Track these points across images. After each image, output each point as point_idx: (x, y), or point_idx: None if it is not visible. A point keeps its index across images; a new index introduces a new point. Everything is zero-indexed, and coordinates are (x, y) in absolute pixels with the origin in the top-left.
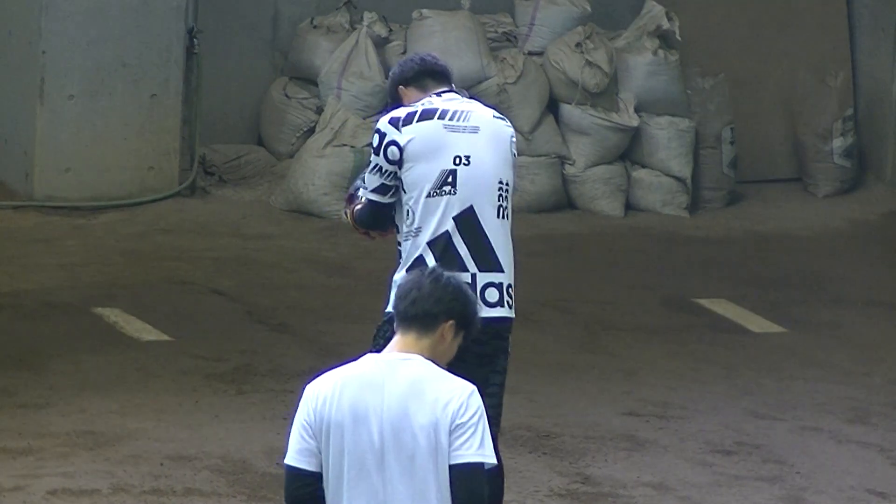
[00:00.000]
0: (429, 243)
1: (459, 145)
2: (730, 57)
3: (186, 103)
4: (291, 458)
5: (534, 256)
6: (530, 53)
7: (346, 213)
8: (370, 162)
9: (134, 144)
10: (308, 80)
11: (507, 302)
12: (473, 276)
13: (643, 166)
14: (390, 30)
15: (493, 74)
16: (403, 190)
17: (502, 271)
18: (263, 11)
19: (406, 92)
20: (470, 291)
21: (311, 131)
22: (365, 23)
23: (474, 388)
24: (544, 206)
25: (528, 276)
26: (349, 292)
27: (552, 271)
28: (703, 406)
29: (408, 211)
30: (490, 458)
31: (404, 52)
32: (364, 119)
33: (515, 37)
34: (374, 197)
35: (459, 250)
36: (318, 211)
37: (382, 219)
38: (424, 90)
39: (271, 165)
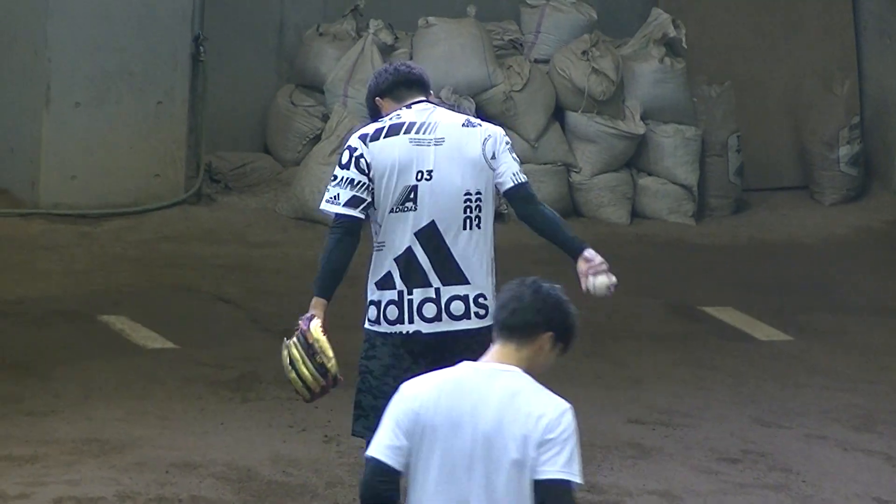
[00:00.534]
0: (396, 259)
1: (424, 160)
2: (736, 65)
3: (192, 111)
4: (380, 453)
5: (539, 264)
6: (536, 61)
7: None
8: (337, 178)
9: (140, 152)
10: (314, 87)
11: (476, 312)
12: (437, 290)
13: (649, 174)
14: (396, 37)
15: (499, 82)
16: (373, 205)
17: (468, 283)
18: (269, 19)
19: (383, 103)
20: (570, 304)
21: (317, 139)
22: (371, 30)
23: (569, 406)
24: None
25: None
26: (354, 300)
27: (557, 279)
28: (709, 414)
29: (373, 225)
30: (576, 477)
31: (410, 59)
32: None
33: (521, 44)
34: (346, 210)
35: (423, 264)
36: (324, 218)
37: (347, 245)
38: (399, 100)
39: (277, 173)
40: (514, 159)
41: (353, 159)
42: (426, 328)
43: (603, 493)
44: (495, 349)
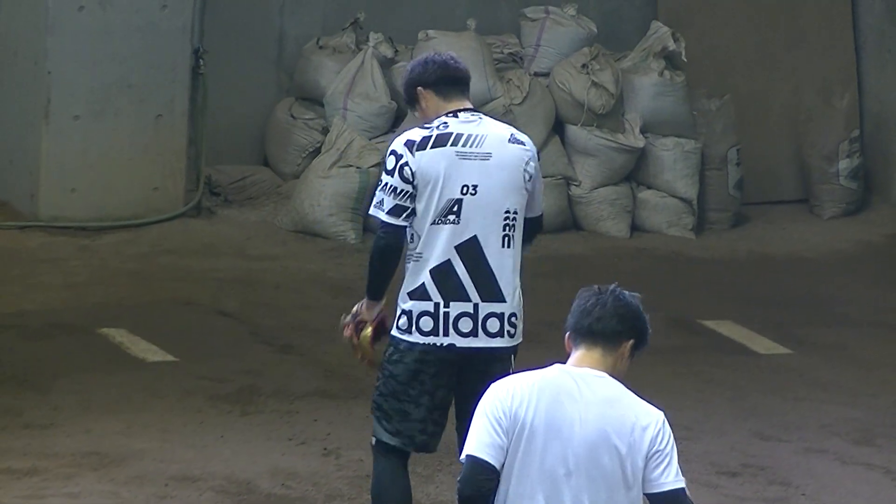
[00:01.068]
0: (431, 271)
1: (469, 174)
2: (736, 78)
3: (192, 124)
4: (480, 451)
5: (540, 277)
6: (536, 74)
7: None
8: (383, 182)
9: (139, 165)
10: (314, 100)
11: (508, 332)
12: (476, 305)
13: (649, 187)
14: (396, 50)
15: (498, 95)
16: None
17: (504, 301)
18: (269, 32)
19: (424, 94)
20: (645, 313)
21: (317, 152)
22: (371, 43)
23: (663, 413)
24: (550, 227)
25: (534, 296)
26: None
27: (558, 292)
28: (709, 427)
29: (412, 235)
30: (684, 482)
31: None
32: (370, 140)
33: (521, 58)
34: (389, 219)
35: (462, 279)
36: (324, 232)
37: (392, 250)
38: (444, 97)
39: (277, 186)
40: (530, 174)
41: (398, 167)
42: (461, 342)
43: None
44: (580, 355)
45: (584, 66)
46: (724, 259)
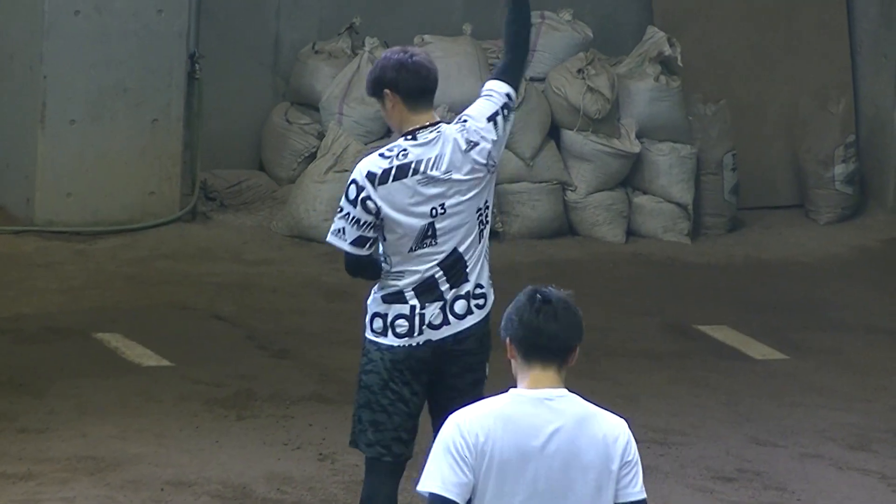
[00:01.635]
0: (415, 289)
1: (435, 196)
2: (731, 83)
3: (188, 128)
4: (442, 489)
5: (535, 282)
6: (532, 79)
7: None
8: (343, 211)
9: (135, 169)
10: (309, 105)
11: (477, 305)
12: (446, 300)
13: (644, 192)
14: None
15: None
16: (383, 237)
17: (468, 280)
18: (265, 37)
19: (392, 99)
20: None
21: (313, 157)
22: (367, 48)
23: (626, 424)
24: (545, 233)
25: None
26: (350, 317)
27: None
28: (704, 432)
29: (385, 256)
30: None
31: None
32: (365, 144)
33: None
34: (351, 250)
35: (443, 289)
36: (320, 236)
37: (365, 269)
38: (411, 108)
39: (272, 191)
40: (496, 115)
41: (360, 200)
42: (435, 335)
43: None
44: (535, 375)
45: (579, 70)
46: (719, 264)
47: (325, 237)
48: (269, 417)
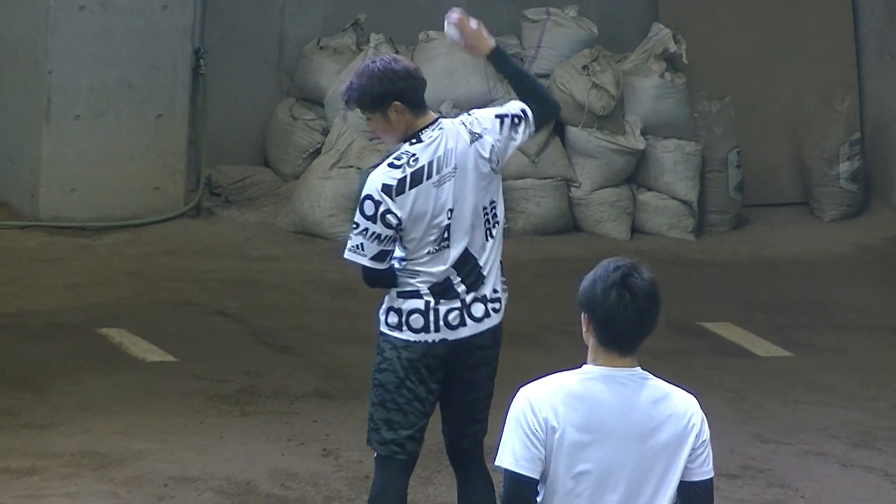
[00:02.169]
0: (430, 288)
1: (448, 197)
2: (736, 80)
3: (192, 124)
4: (517, 465)
5: (539, 279)
6: (537, 76)
7: None
8: (361, 227)
9: (139, 165)
10: (314, 101)
11: (493, 309)
12: (463, 300)
13: (649, 189)
14: (397, 51)
15: (499, 96)
16: (402, 246)
17: (485, 284)
18: (270, 33)
19: (401, 109)
20: None
21: (317, 153)
22: (371, 44)
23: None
24: (550, 229)
25: (533, 298)
26: (354, 314)
27: (557, 294)
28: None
29: (401, 259)
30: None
31: None
32: (370, 140)
33: (522, 59)
34: (372, 265)
35: (457, 287)
36: (324, 233)
37: (384, 280)
38: (416, 114)
39: (277, 187)
40: (505, 117)
41: (379, 214)
42: (452, 335)
43: None
44: (611, 357)
45: (584, 67)
46: (724, 261)
47: (343, 253)
48: (273, 413)
